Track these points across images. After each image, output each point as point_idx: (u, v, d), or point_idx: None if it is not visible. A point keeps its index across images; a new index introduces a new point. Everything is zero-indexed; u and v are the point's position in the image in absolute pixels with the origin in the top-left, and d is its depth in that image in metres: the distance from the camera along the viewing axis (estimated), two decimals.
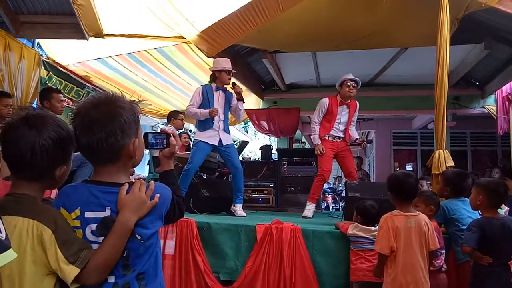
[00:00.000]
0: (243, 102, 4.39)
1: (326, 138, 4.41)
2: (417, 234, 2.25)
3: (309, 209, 4.31)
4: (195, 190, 4.48)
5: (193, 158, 4.14)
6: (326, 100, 4.49)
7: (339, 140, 4.44)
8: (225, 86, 4.26)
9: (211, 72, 4.30)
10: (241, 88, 4.29)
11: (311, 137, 4.67)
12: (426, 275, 2.22)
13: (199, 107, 4.17)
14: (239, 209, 4.16)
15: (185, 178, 4.11)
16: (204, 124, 4.18)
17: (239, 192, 4.23)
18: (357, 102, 4.58)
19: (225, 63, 4.22)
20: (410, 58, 6.18)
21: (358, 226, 2.87)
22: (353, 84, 4.38)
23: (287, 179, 5.73)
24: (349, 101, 4.46)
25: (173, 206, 1.29)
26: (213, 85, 4.26)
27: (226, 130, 4.31)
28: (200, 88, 4.27)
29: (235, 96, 4.32)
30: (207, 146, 4.17)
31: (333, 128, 4.41)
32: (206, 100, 4.17)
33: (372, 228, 2.80)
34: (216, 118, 4.15)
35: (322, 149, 4.32)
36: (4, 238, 0.84)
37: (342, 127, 4.44)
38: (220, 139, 4.19)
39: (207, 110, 4.06)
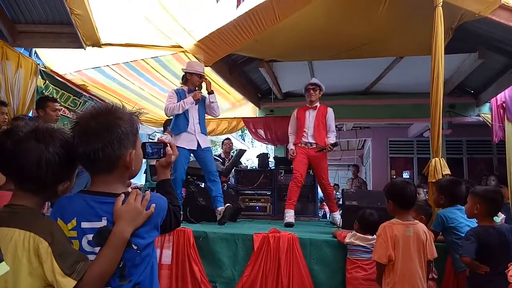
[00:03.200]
0: (213, 94, 4.33)
1: (299, 145, 4.56)
2: (415, 243, 2.24)
3: (289, 216, 4.31)
4: (192, 199, 4.46)
5: (177, 167, 4.04)
6: (294, 111, 4.76)
7: (311, 147, 4.51)
8: (196, 88, 4.24)
9: (183, 74, 4.32)
10: (200, 94, 4.23)
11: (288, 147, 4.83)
12: (424, 284, 2.22)
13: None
14: (221, 209, 4.10)
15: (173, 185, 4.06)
16: (179, 126, 4.13)
17: (219, 196, 4.16)
18: (328, 108, 4.66)
19: (197, 66, 4.24)
20: (406, 67, 6.22)
21: (356, 234, 2.87)
22: (313, 88, 4.55)
23: (284, 187, 5.71)
24: (315, 105, 4.60)
25: (169, 216, 1.29)
26: (185, 88, 4.26)
27: (203, 132, 4.30)
28: (173, 91, 4.23)
29: (206, 90, 4.29)
30: (186, 152, 4.13)
31: (303, 134, 4.54)
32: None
33: (369, 236, 2.80)
34: (191, 121, 4.14)
35: (293, 152, 4.56)
36: None
37: (310, 132, 4.52)
38: (198, 142, 4.17)
39: (190, 96, 4.08)
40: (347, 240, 2.89)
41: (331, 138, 4.57)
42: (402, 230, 2.26)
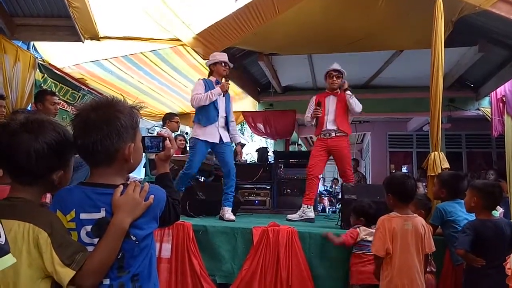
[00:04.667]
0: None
1: (319, 136, 4.35)
2: (413, 236, 2.25)
3: (309, 210, 4.17)
4: (192, 193, 4.46)
5: (194, 160, 3.99)
6: (313, 97, 4.48)
7: (330, 136, 4.28)
8: (223, 79, 4.12)
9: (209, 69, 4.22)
10: (228, 85, 4.11)
11: (306, 122, 4.54)
12: (422, 278, 2.22)
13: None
14: (227, 212, 3.99)
15: (184, 179, 4.03)
16: (208, 117, 3.99)
17: (229, 193, 4.08)
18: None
19: (220, 56, 4.15)
20: (405, 61, 6.21)
21: (366, 229, 2.83)
22: (337, 74, 4.32)
23: (283, 182, 5.73)
24: (336, 92, 4.38)
25: (168, 208, 1.30)
26: (213, 79, 4.13)
27: (226, 128, 4.18)
28: (201, 80, 4.10)
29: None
30: (205, 145, 4.02)
31: (324, 122, 4.30)
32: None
33: (369, 230, 2.80)
34: (219, 112, 4.04)
35: (317, 108, 4.28)
36: (3, 243, 0.85)
37: (331, 117, 4.29)
38: (220, 136, 4.06)
39: (217, 87, 3.95)
40: (361, 235, 2.80)
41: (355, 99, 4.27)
42: (401, 224, 2.27)
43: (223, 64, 4.10)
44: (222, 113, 4.10)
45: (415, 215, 2.38)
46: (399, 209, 2.34)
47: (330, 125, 4.30)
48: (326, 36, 5.00)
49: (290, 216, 4.18)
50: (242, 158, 4.23)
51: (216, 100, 3.99)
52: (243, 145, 4.74)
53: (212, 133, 4.03)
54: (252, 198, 5.67)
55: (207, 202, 4.32)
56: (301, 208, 4.22)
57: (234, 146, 4.46)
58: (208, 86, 4.03)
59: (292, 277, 2.97)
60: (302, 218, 4.12)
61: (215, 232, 3.27)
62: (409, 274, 2.19)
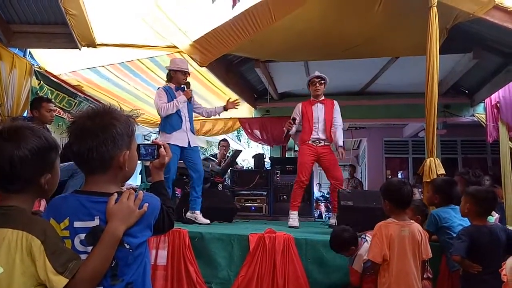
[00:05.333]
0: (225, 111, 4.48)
1: (307, 142, 4.39)
2: (410, 243, 2.25)
3: (294, 218, 4.25)
4: (187, 200, 4.45)
5: (170, 164, 3.99)
6: (299, 104, 4.56)
7: (320, 144, 4.36)
8: (183, 86, 4.23)
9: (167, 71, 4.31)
10: (191, 92, 4.24)
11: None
12: (419, 284, 2.22)
13: None
14: (199, 215, 4.09)
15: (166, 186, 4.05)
16: (173, 124, 4.09)
17: (199, 198, 4.15)
18: (334, 101, 4.56)
19: (181, 63, 4.21)
20: (401, 67, 6.25)
21: (356, 260, 2.67)
22: (319, 81, 4.42)
23: (280, 188, 5.73)
24: (321, 99, 4.47)
25: (162, 216, 1.30)
26: (172, 85, 4.22)
27: (193, 131, 4.29)
28: (161, 89, 4.18)
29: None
30: (178, 149, 4.07)
31: (313, 129, 4.37)
32: (170, 100, 4.10)
33: (366, 244, 2.68)
34: (183, 118, 4.12)
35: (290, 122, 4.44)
36: None
37: (321, 127, 4.39)
38: (188, 140, 4.15)
39: (182, 95, 4.06)
40: (361, 268, 2.60)
41: (339, 134, 4.39)
42: (398, 230, 2.27)
43: (183, 73, 4.18)
44: (186, 118, 4.19)
45: (412, 221, 2.38)
46: (396, 216, 2.34)
47: (320, 134, 4.39)
48: (322, 43, 5.03)
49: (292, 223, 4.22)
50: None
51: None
52: (239, 151, 4.75)
53: (181, 138, 4.13)
54: (248, 205, 5.67)
55: (203, 208, 4.31)
56: (294, 215, 4.27)
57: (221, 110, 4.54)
58: (169, 93, 4.14)
59: (288, 283, 2.96)
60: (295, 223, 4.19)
61: (211, 239, 3.25)
62: (406, 281, 2.19)
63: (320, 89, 4.45)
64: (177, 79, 4.19)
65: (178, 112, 4.13)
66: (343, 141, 4.38)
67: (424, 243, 2.30)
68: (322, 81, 4.46)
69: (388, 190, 2.41)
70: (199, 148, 4.39)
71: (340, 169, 4.49)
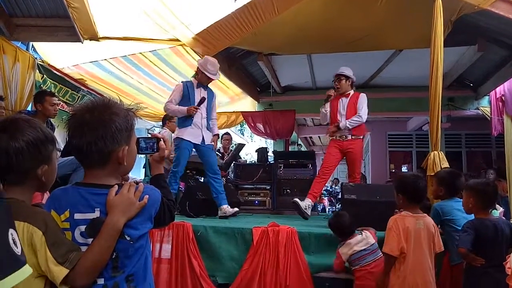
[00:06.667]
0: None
1: (334, 137, 4.40)
2: (426, 235, 2.27)
3: (306, 205, 4.16)
4: (191, 193, 4.46)
5: (180, 159, 4.06)
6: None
7: (345, 139, 4.35)
8: (206, 85, 4.19)
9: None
10: (195, 111, 4.12)
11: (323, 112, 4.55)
12: (434, 277, 2.25)
13: (180, 104, 4.09)
14: (228, 208, 4.10)
15: (173, 180, 4.05)
16: (184, 121, 4.10)
17: (222, 193, 4.15)
18: (361, 94, 4.50)
19: (210, 66, 4.10)
20: (405, 60, 6.21)
21: (351, 241, 2.71)
22: (337, 79, 4.42)
23: (283, 182, 5.72)
24: (348, 93, 4.44)
25: (163, 209, 1.30)
26: (194, 81, 4.20)
27: (209, 129, 4.26)
28: (180, 85, 4.18)
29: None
30: (190, 145, 4.09)
31: (338, 124, 4.34)
32: (186, 97, 4.10)
33: (359, 237, 2.74)
34: (198, 115, 4.09)
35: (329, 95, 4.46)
36: (20, 253, 0.80)
37: (344, 121, 4.36)
38: (203, 137, 4.13)
39: (185, 108, 4.02)
40: (346, 256, 2.70)
41: (350, 121, 4.33)
42: (413, 223, 2.28)
43: (207, 77, 4.12)
44: (203, 115, 4.15)
45: (425, 214, 2.40)
46: (411, 209, 2.35)
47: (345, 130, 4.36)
48: (325, 36, 5.00)
49: (298, 201, 4.15)
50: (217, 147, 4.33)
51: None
52: (242, 145, 4.75)
53: (195, 134, 4.11)
54: (252, 198, 5.67)
55: (206, 202, 4.32)
56: (308, 202, 4.19)
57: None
58: (188, 89, 4.11)
59: (291, 277, 2.96)
60: (306, 210, 4.14)
61: (215, 233, 3.26)
62: (422, 273, 2.21)
63: (339, 86, 4.44)
64: (200, 78, 4.16)
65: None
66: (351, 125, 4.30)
67: (437, 236, 2.33)
68: (341, 78, 4.43)
69: (403, 184, 2.41)
70: (213, 146, 4.35)
71: (359, 168, 4.51)
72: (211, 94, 4.28)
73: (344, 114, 4.39)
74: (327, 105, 4.52)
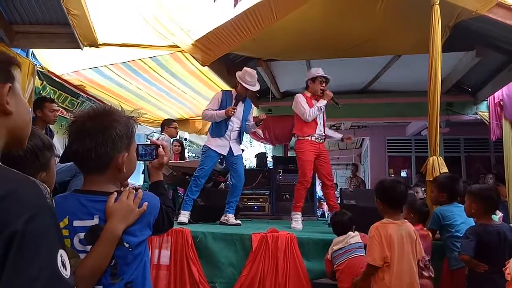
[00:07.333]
0: (257, 126, 4.44)
1: (309, 138, 4.27)
2: (408, 241, 2.23)
3: (297, 220, 4.12)
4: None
5: (205, 165, 4.10)
6: (301, 95, 4.42)
7: (321, 140, 4.35)
8: (245, 96, 4.25)
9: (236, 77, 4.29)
10: (234, 112, 4.15)
11: (306, 113, 4.30)
12: (418, 282, 2.22)
13: None
14: (232, 218, 4.10)
15: (195, 185, 4.05)
16: (217, 131, 4.16)
17: (234, 202, 4.16)
18: None
19: (248, 77, 4.15)
20: (403, 66, 6.23)
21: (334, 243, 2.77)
22: (325, 82, 4.41)
23: (282, 187, 5.72)
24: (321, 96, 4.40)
25: (162, 216, 1.30)
26: (234, 92, 4.26)
27: (238, 141, 4.29)
28: (219, 94, 4.26)
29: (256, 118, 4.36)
30: (216, 155, 4.15)
31: (317, 125, 4.32)
32: (224, 108, 4.12)
33: (342, 236, 2.75)
34: (229, 127, 4.14)
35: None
36: (68, 277, 0.74)
37: (321, 122, 4.39)
38: (230, 149, 4.17)
39: (223, 111, 4.03)
40: (329, 254, 2.75)
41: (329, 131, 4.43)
42: (396, 230, 2.23)
43: (245, 89, 4.17)
44: (236, 126, 4.19)
45: (405, 220, 2.36)
46: (390, 215, 2.29)
47: (322, 130, 4.39)
48: (324, 41, 5.02)
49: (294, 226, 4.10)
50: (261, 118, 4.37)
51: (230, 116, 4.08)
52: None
53: (223, 145, 4.15)
54: (251, 204, 5.67)
55: (206, 208, 4.31)
56: (298, 217, 4.17)
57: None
58: (226, 99, 4.18)
59: (290, 283, 2.96)
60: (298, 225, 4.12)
61: (214, 239, 3.26)
62: (408, 279, 2.17)
63: (325, 89, 4.44)
64: (239, 90, 4.22)
65: (226, 121, 4.15)
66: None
67: (418, 243, 2.27)
68: (328, 81, 4.48)
69: (381, 189, 2.36)
70: (242, 156, 4.38)
71: (331, 172, 4.50)
72: (248, 106, 4.33)
73: (321, 117, 4.41)
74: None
